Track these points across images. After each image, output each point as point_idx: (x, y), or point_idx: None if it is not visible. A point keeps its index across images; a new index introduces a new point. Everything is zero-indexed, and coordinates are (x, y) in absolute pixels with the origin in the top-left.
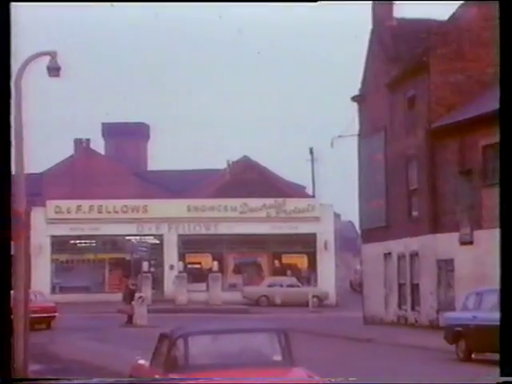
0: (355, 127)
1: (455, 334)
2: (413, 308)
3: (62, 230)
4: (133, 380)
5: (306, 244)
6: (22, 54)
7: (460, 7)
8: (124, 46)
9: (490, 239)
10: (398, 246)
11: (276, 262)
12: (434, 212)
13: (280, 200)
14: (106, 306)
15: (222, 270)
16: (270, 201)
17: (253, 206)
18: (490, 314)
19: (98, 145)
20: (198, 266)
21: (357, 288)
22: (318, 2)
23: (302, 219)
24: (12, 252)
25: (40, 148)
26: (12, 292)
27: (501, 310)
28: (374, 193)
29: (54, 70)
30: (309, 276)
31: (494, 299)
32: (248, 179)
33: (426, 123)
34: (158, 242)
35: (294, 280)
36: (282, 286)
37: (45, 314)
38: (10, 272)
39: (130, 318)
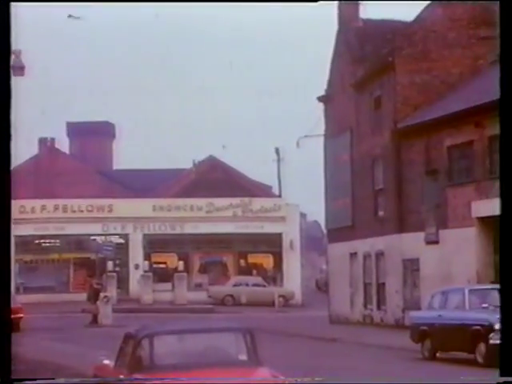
0: (321, 127)
1: (421, 333)
2: (378, 307)
3: (26, 230)
4: (98, 380)
5: (272, 243)
6: None
7: (426, 8)
8: (89, 45)
9: (455, 238)
10: (363, 245)
11: (242, 261)
12: (400, 212)
13: (246, 199)
14: (70, 306)
15: (187, 269)
16: (236, 200)
17: (219, 206)
18: (456, 313)
19: (63, 144)
20: (163, 265)
21: (323, 287)
22: (283, 3)
23: (268, 219)
24: None
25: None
26: None
27: (501, 310)
28: (340, 193)
29: (18, 70)
30: (274, 275)
31: (459, 298)
32: (214, 179)
33: (391, 123)
34: (123, 241)
35: (259, 279)
36: (247, 285)
37: (12, 316)
38: (9, 272)
39: (94, 318)
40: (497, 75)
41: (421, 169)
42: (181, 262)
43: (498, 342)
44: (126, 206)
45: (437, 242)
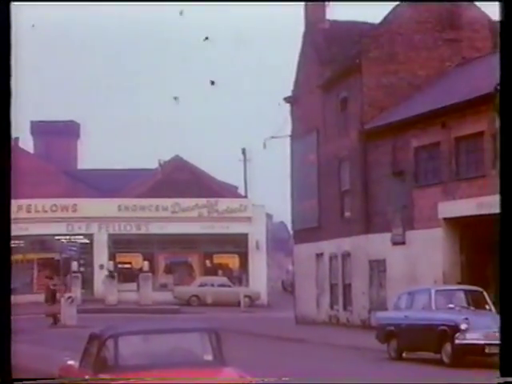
0: (288, 128)
1: (387, 333)
2: (345, 308)
3: None
4: (63, 380)
5: (238, 244)
6: None
7: (392, 10)
8: (55, 44)
9: (421, 239)
10: (330, 246)
11: (207, 261)
12: (367, 212)
13: (212, 200)
14: (34, 307)
15: (152, 269)
16: (201, 201)
17: (184, 206)
18: (422, 313)
19: (27, 143)
20: (128, 265)
21: (288, 288)
22: (249, 3)
23: (234, 219)
24: None
25: None
26: None
27: (501, 310)
28: (306, 193)
29: None
30: (240, 276)
31: (425, 299)
32: (180, 179)
33: (358, 124)
34: (87, 241)
35: (225, 280)
36: (213, 285)
37: None
38: (9, 272)
39: (55, 319)
40: (462, 77)
41: (387, 170)
42: (146, 262)
43: (464, 342)
44: (90, 206)
45: (403, 243)
